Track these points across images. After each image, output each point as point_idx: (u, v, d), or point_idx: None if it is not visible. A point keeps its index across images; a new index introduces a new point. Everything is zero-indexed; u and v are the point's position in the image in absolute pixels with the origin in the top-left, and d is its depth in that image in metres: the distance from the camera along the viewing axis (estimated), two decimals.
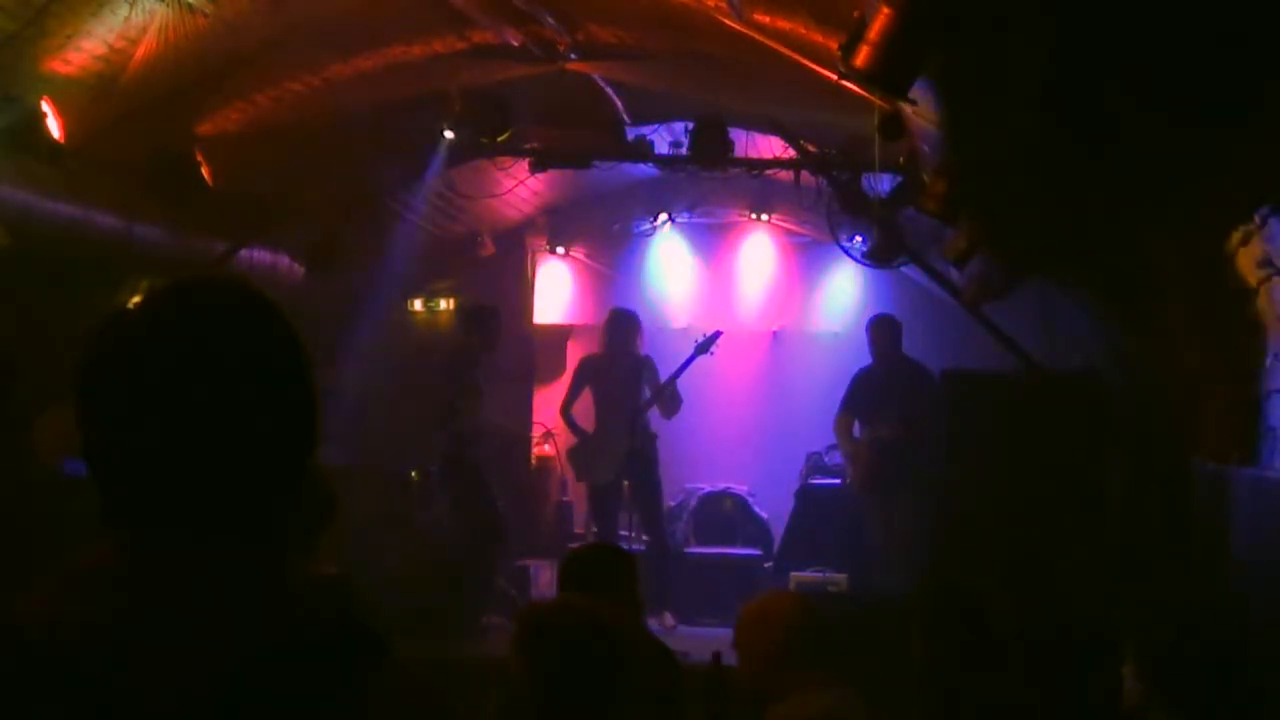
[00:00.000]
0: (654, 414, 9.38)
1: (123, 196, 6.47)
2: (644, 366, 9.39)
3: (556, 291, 11.65)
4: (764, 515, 10.37)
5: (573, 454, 9.55)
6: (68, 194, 5.99)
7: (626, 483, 9.28)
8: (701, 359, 9.46)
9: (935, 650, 4.05)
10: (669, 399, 9.31)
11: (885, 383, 8.89)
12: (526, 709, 3.07)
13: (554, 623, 3.14)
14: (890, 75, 3.97)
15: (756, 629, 3.61)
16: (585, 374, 9.53)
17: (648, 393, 9.33)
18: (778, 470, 10.44)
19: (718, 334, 9.64)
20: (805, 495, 9.89)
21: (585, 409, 9.57)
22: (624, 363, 9.33)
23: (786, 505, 9.99)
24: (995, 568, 5.67)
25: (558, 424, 10.79)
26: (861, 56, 3.91)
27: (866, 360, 9.19)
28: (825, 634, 3.61)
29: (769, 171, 8.85)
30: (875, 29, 3.83)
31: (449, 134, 8.18)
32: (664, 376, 9.34)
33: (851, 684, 3.56)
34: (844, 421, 9.09)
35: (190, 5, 5.46)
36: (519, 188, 9.75)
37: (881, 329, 9.04)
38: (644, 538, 9.34)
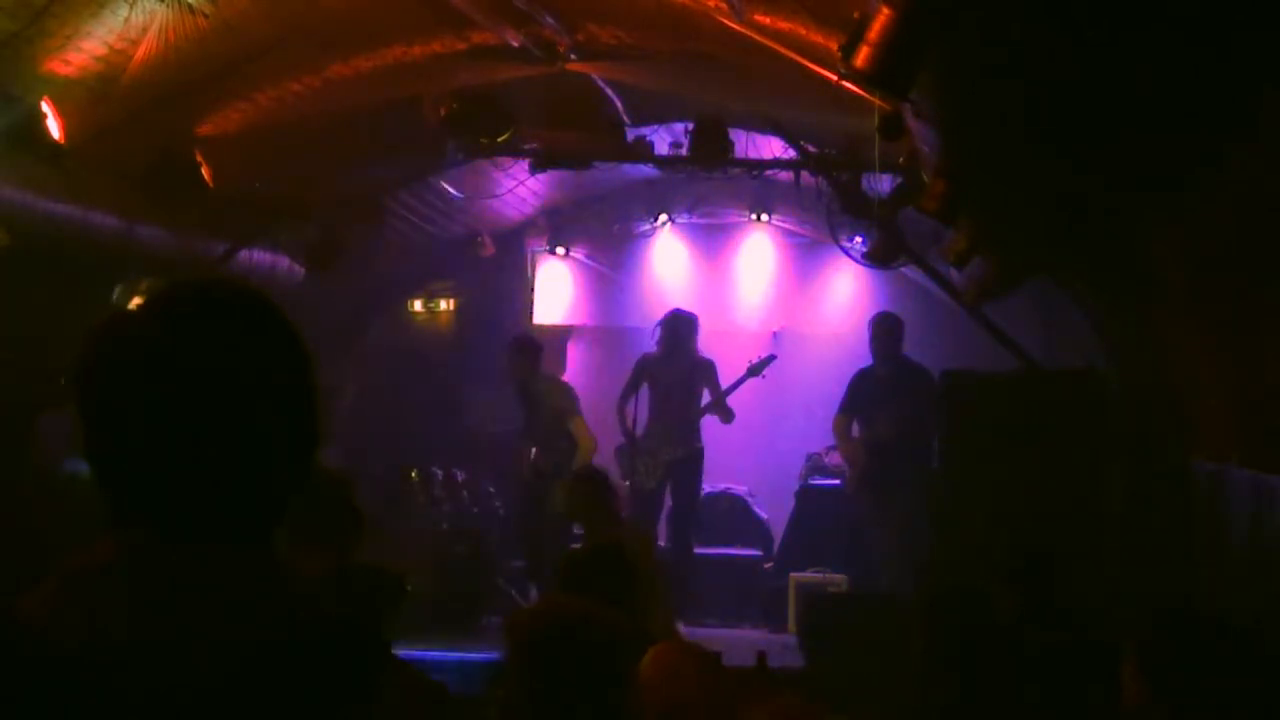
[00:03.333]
0: (707, 422, 9.38)
1: (123, 197, 6.47)
2: (701, 370, 9.37)
3: (556, 292, 11.65)
4: (764, 515, 10.37)
5: (621, 454, 9.49)
6: (68, 194, 5.98)
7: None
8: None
9: (935, 650, 4.05)
10: (724, 410, 9.34)
11: (884, 383, 8.89)
12: (525, 710, 3.07)
13: (546, 626, 3.14)
14: (890, 76, 3.97)
15: (674, 690, 3.29)
16: (642, 372, 9.42)
17: (705, 397, 9.34)
18: (778, 470, 10.45)
19: (772, 357, 9.64)
20: (805, 495, 9.90)
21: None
22: (680, 365, 9.31)
23: (786, 505, 9.99)
24: (995, 568, 5.66)
25: None
26: (861, 57, 3.91)
27: (866, 360, 9.19)
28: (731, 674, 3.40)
29: (769, 172, 8.86)
30: (875, 29, 3.83)
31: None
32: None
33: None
34: (842, 422, 9.08)
35: (190, 6, 5.46)
36: (519, 188, 9.76)
37: (882, 326, 9.04)
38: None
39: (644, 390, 9.48)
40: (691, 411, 9.31)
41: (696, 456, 9.29)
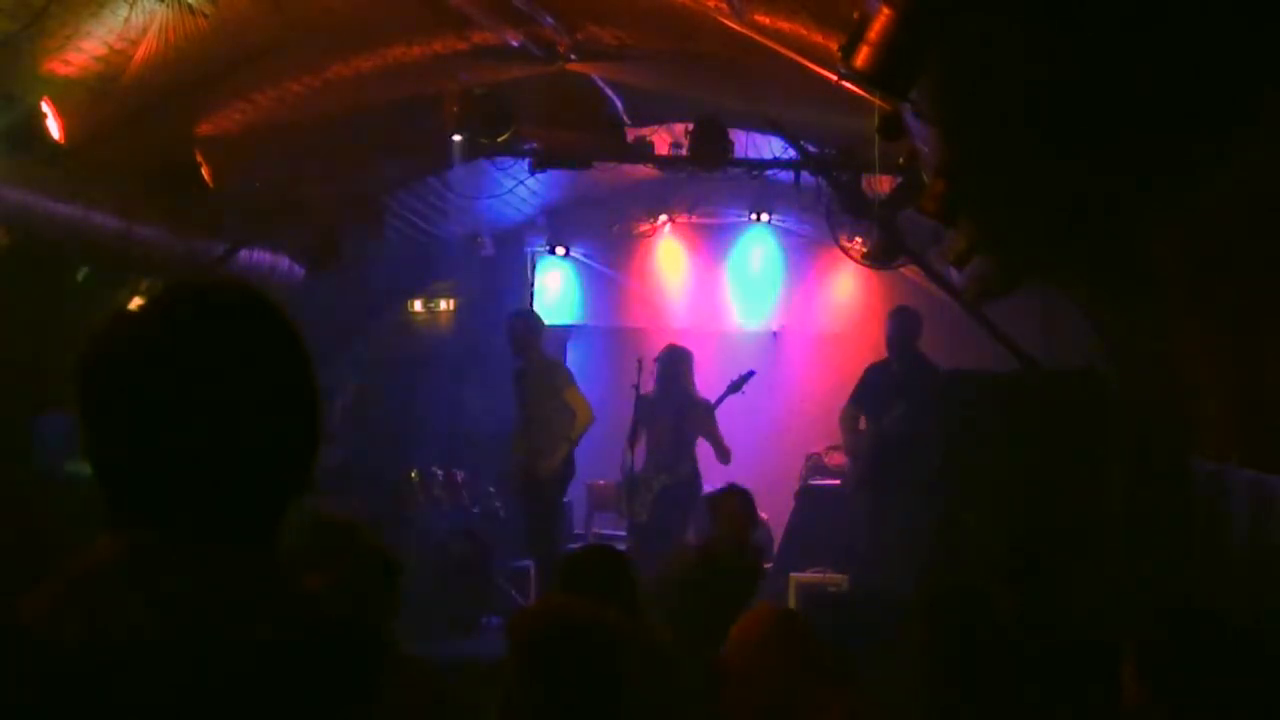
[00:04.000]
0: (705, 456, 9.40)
1: (123, 197, 6.47)
2: (694, 409, 9.34)
3: (556, 292, 11.65)
4: (764, 516, 10.36)
5: (620, 488, 9.56)
6: (68, 195, 5.98)
7: None
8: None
9: (935, 651, 4.04)
10: (720, 449, 9.35)
11: (895, 378, 8.86)
12: (525, 711, 3.07)
13: (544, 625, 3.14)
14: (890, 76, 3.96)
15: (753, 652, 3.53)
16: (641, 414, 9.35)
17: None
18: (778, 471, 10.44)
19: (751, 373, 9.65)
20: (805, 496, 9.89)
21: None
22: (675, 403, 9.30)
23: (787, 506, 9.99)
24: (995, 568, 5.66)
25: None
26: (861, 57, 3.91)
27: (867, 359, 9.18)
28: (820, 642, 3.56)
29: (769, 172, 8.86)
30: (875, 29, 3.82)
31: (457, 137, 8.13)
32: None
33: (860, 687, 3.54)
34: (850, 413, 9.02)
35: (190, 6, 5.46)
36: (519, 188, 9.76)
37: (897, 321, 8.97)
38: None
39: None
40: (683, 444, 9.29)
41: (686, 482, 9.22)
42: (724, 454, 9.37)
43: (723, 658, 3.52)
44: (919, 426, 8.44)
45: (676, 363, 9.35)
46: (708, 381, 9.87)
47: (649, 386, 9.41)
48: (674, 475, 9.18)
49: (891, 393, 8.79)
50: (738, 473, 10.50)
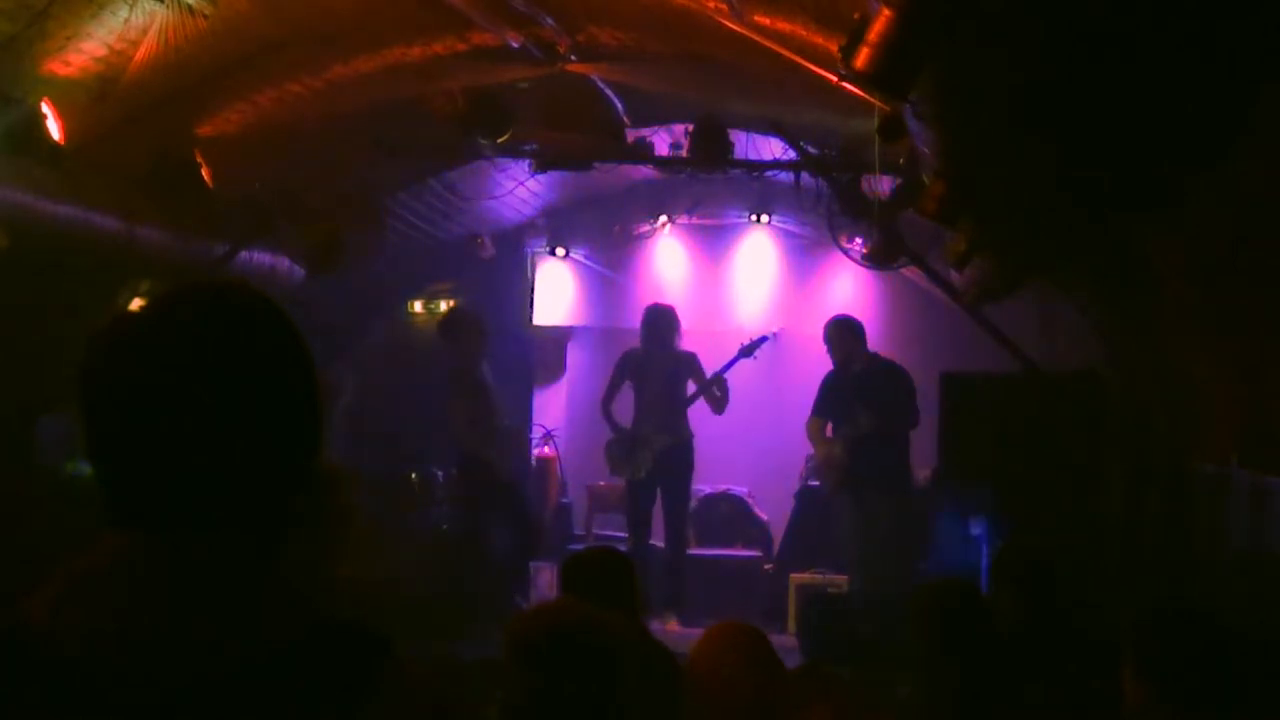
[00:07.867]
0: (695, 413, 9.41)
1: (123, 198, 6.46)
2: (686, 363, 9.40)
3: (556, 293, 11.64)
4: (764, 517, 10.37)
5: (609, 448, 9.54)
6: (68, 196, 5.98)
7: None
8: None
9: (936, 651, 4.05)
10: (717, 395, 9.34)
11: (855, 383, 8.87)
12: (525, 712, 3.07)
13: (545, 628, 3.14)
14: (890, 77, 3.97)
15: (721, 677, 3.40)
16: (625, 369, 9.49)
17: (690, 389, 9.37)
18: (778, 472, 10.45)
19: (764, 338, 9.72)
20: (805, 497, 9.90)
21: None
22: (664, 359, 9.35)
23: (787, 507, 10.00)
24: (995, 570, 5.64)
25: (557, 425, 10.83)
26: (861, 58, 3.91)
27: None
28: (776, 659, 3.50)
29: (769, 173, 8.86)
30: (875, 30, 3.82)
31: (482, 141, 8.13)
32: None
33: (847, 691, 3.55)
34: (816, 424, 9.04)
35: (190, 7, 5.47)
36: (519, 189, 9.76)
37: (839, 330, 8.97)
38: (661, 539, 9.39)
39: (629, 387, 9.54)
40: (678, 402, 9.34)
41: (685, 445, 9.32)
42: (718, 401, 9.37)
43: (688, 670, 3.46)
44: (890, 424, 8.51)
45: (661, 319, 9.41)
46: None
47: (634, 347, 9.51)
48: (674, 436, 9.23)
49: (855, 396, 8.79)
50: (738, 474, 10.56)
